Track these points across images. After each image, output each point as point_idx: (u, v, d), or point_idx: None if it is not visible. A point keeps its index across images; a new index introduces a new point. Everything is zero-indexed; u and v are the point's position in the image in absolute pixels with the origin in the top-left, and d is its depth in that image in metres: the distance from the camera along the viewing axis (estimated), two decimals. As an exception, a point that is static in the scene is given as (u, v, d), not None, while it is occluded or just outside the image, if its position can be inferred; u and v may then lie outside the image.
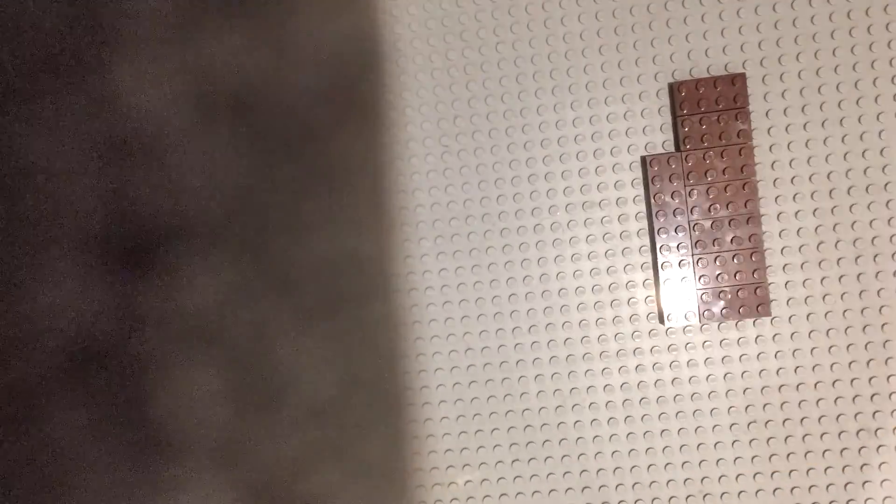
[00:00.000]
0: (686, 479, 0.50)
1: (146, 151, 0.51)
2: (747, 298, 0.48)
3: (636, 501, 0.50)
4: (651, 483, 0.50)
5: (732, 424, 0.49)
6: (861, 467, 0.48)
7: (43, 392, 0.51)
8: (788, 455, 0.49)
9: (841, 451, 0.48)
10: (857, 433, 0.48)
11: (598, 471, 0.50)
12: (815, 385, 0.49)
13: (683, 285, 0.49)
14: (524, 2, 0.50)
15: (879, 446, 0.48)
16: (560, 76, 0.50)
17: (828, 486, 0.48)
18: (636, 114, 0.50)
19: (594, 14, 0.50)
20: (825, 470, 0.48)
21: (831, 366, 0.49)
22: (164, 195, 0.51)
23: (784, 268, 0.49)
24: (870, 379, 0.48)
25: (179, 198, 0.51)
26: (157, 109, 0.51)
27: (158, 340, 0.51)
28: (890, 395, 0.48)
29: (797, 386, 0.49)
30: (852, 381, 0.48)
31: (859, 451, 0.48)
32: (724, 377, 0.49)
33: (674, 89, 0.49)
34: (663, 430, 0.50)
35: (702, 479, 0.49)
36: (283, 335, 0.51)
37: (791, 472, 0.49)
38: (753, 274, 0.48)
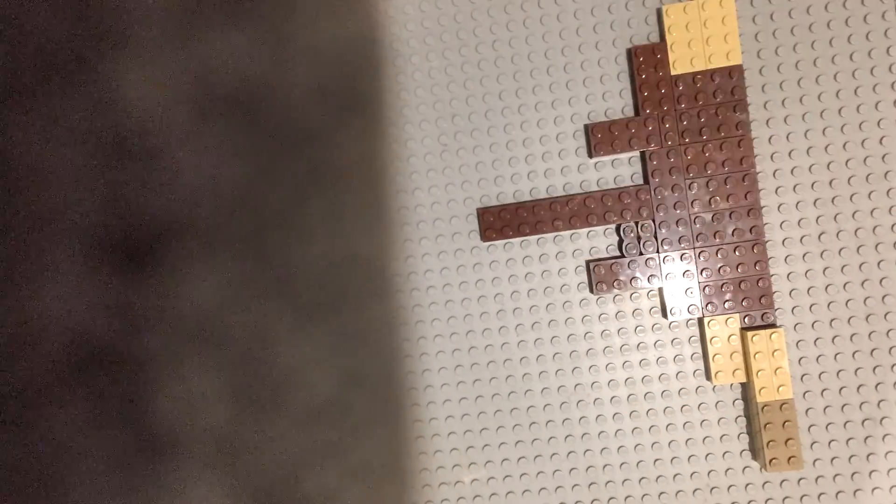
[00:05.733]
0: (693, 473, 0.50)
1: (146, 151, 0.51)
2: (750, 290, 0.48)
3: (643, 496, 0.50)
4: (658, 477, 0.50)
5: (738, 417, 0.49)
6: (867, 457, 0.48)
7: (43, 392, 0.51)
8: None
9: (847, 441, 0.48)
10: (863, 422, 0.48)
11: (605, 466, 0.50)
12: (819, 375, 0.49)
13: (686, 279, 0.49)
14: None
15: (885, 435, 0.48)
16: (557, 73, 0.50)
17: (834, 477, 0.48)
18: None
19: (589, 10, 0.50)
20: (831, 460, 0.48)
21: (835, 356, 0.49)
22: (163, 195, 0.51)
23: (786, 259, 0.49)
24: (874, 368, 0.48)
25: (179, 198, 0.51)
26: (157, 109, 0.51)
27: (158, 340, 0.51)
28: (895, 383, 0.48)
29: (801, 377, 0.49)
30: (856, 370, 0.48)
31: (865, 440, 0.48)
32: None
33: (673, 83, 0.49)
34: (668, 424, 0.50)
35: (708, 473, 0.49)
36: (283, 335, 0.51)
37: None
38: (755, 266, 0.48)
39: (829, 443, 0.49)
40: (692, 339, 0.50)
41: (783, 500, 0.49)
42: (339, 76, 0.51)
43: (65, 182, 0.50)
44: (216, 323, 0.51)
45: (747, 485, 0.49)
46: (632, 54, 0.49)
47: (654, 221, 0.49)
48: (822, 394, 0.49)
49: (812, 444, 0.49)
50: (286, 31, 0.51)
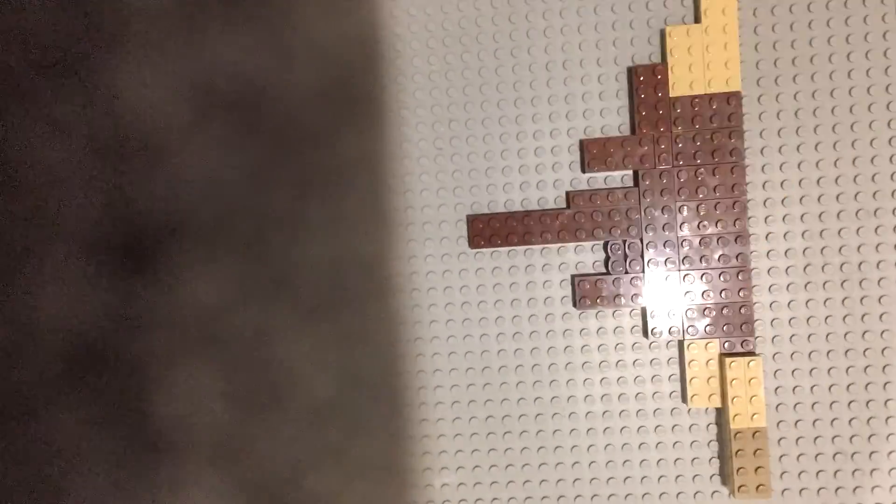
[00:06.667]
0: (662, 494, 0.50)
1: (146, 151, 0.51)
2: (732, 317, 0.48)
3: (611, 512, 0.50)
4: (627, 495, 0.50)
5: (710, 441, 0.49)
6: (836, 490, 0.49)
7: (43, 392, 0.51)
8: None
9: (817, 474, 0.49)
10: (834, 456, 0.49)
11: (575, 480, 0.50)
12: (794, 406, 0.49)
13: (669, 300, 0.49)
14: (525, 10, 0.50)
15: (855, 470, 0.48)
16: (557, 86, 0.50)
17: (835, 472, 0.48)
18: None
19: (593, 26, 0.50)
20: (800, 491, 0.49)
21: (811, 388, 0.49)
22: (163, 195, 0.51)
23: (770, 288, 0.49)
24: (849, 403, 0.48)
25: (179, 197, 0.51)
26: (157, 109, 0.51)
27: (158, 340, 0.51)
28: (868, 419, 0.48)
29: (776, 406, 0.49)
30: (831, 404, 0.49)
31: (835, 474, 0.49)
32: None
33: (671, 104, 0.49)
34: (641, 444, 0.50)
35: (677, 494, 0.50)
36: (283, 335, 0.51)
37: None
38: (739, 293, 0.48)
39: (799, 474, 0.49)
40: (671, 360, 0.50)
41: (749, 527, 0.49)
42: (342, 76, 0.51)
43: (65, 182, 0.50)
44: (216, 323, 0.51)
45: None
46: (632, 73, 0.49)
47: (641, 241, 0.49)
48: (795, 425, 0.49)
49: (782, 474, 0.49)
50: (288, 31, 0.51)
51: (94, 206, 0.51)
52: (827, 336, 0.49)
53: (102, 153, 0.51)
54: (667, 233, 0.49)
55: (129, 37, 0.51)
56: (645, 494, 0.50)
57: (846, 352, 0.49)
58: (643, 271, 0.49)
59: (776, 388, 0.49)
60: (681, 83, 0.49)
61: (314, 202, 0.51)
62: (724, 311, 0.48)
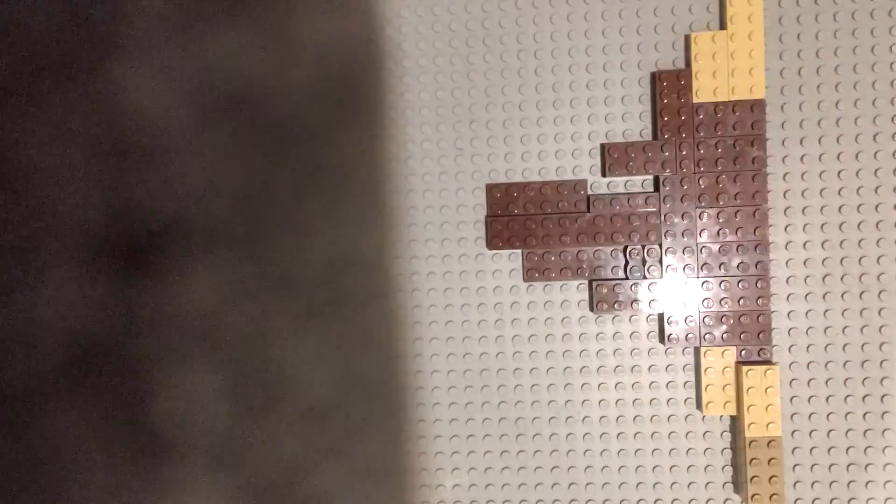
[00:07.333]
0: (674, 500, 0.50)
1: (146, 151, 0.51)
2: (749, 325, 0.48)
3: (622, 518, 0.50)
4: (639, 501, 0.50)
5: (724, 449, 0.49)
6: (849, 501, 0.48)
7: (43, 392, 0.51)
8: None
9: (830, 484, 0.49)
10: (848, 467, 0.48)
11: (587, 485, 0.50)
12: (810, 416, 0.49)
13: (686, 307, 0.49)
14: (531, 13, 0.50)
15: (868, 482, 0.48)
16: (562, 90, 0.50)
17: (849, 483, 0.48)
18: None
19: (601, 31, 0.50)
20: (813, 501, 0.49)
21: (827, 398, 0.49)
22: (163, 195, 0.51)
23: (788, 297, 0.49)
24: (864, 414, 0.48)
25: (179, 198, 0.50)
26: (157, 109, 0.51)
27: (158, 340, 0.51)
28: (883, 431, 0.48)
29: (791, 416, 0.49)
30: (847, 415, 0.49)
31: (848, 485, 0.48)
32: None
33: (694, 110, 0.49)
34: (654, 450, 0.50)
35: (689, 501, 0.49)
36: (283, 335, 0.51)
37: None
38: (757, 301, 0.48)
39: (812, 484, 0.49)
40: (686, 367, 0.50)
41: (761, 535, 0.49)
42: (343, 76, 0.51)
43: (65, 182, 0.50)
44: (216, 323, 0.51)
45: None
46: (655, 78, 0.49)
47: (660, 247, 0.49)
48: (810, 434, 0.49)
49: (795, 484, 0.49)
50: (288, 31, 0.50)
51: (94, 207, 0.50)
52: (844, 346, 0.49)
53: (102, 153, 0.50)
54: (686, 239, 0.49)
55: (130, 37, 0.50)
56: (657, 501, 0.50)
57: (863, 363, 0.48)
58: (661, 277, 0.49)
59: (791, 398, 0.49)
60: (704, 89, 0.48)
61: (315, 202, 0.51)
62: (742, 319, 0.48)
